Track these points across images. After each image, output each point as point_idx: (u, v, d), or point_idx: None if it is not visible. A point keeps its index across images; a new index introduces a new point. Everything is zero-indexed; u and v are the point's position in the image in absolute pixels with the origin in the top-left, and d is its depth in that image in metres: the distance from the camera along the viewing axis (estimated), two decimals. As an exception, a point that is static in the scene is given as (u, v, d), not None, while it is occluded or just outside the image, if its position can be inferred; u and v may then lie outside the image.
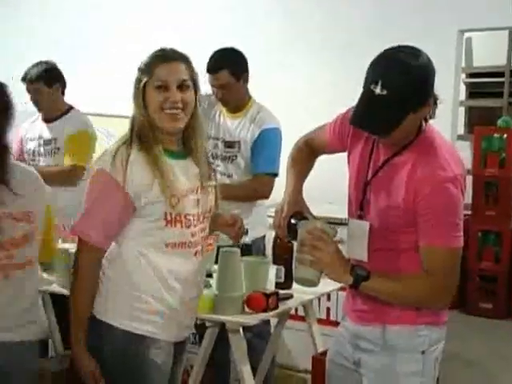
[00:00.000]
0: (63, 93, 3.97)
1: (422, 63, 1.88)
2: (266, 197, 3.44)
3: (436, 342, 2.06)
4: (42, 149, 3.97)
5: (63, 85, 3.96)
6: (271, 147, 3.37)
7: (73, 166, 3.83)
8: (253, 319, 2.51)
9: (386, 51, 1.92)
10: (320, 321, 4.11)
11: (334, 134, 2.19)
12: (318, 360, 2.86)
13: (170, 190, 2.04)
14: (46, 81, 3.85)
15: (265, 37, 4.98)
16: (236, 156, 3.44)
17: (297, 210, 2.14)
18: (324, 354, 3.04)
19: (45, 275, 3.08)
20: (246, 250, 2.89)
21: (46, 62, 3.90)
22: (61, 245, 3.03)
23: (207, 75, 3.36)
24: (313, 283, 1.98)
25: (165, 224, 2.06)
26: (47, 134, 3.95)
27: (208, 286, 2.70)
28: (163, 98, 2.05)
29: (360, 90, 1.91)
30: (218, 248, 2.79)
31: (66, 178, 3.83)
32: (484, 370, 4.43)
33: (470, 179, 5.50)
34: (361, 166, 2.07)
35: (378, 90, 1.83)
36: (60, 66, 3.97)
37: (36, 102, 3.89)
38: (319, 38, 4.80)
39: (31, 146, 4.00)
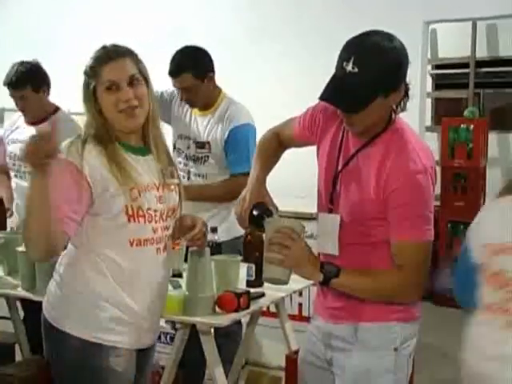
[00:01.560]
0: (49, 93, 3.67)
1: (396, 47, 1.88)
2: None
3: (408, 338, 2.05)
4: None
5: (49, 85, 3.65)
6: (243, 145, 3.26)
7: None
8: (224, 320, 2.46)
9: (360, 34, 1.91)
10: (292, 316, 4.09)
11: (304, 126, 2.16)
12: (291, 359, 2.83)
13: (129, 182, 1.98)
14: (33, 85, 3.54)
15: (230, 28, 4.92)
16: (208, 157, 3.35)
17: (259, 201, 2.12)
18: (297, 352, 3.01)
19: (9, 279, 3.00)
20: (217, 249, 2.83)
21: (30, 63, 3.58)
22: (24, 248, 2.94)
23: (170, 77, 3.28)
24: (283, 282, 1.96)
25: (127, 219, 1.99)
26: None
27: (178, 286, 2.64)
28: (115, 99, 1.99)
29: (327, 80, 1.90)
30: (188, 247, 2.74)
31: None
32: (456, 358, 4.45)
33: (438, 170, 5.52)
34: (330, 159, 2.05)
35: (349, 68, 1.84)
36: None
37: (23, 109, 3.62)
38: (284, 28, 4.77)
39: (13, 148, 3.73)
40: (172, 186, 2.13)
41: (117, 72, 2.00)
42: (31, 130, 3.56)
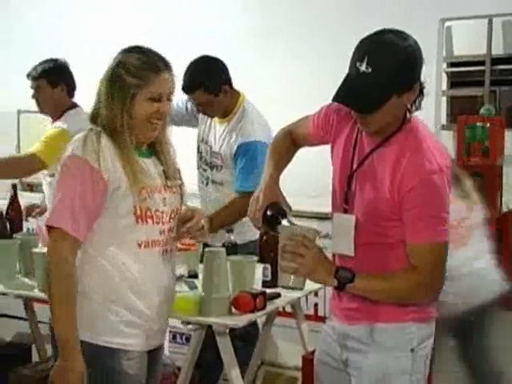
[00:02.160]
0: (70, 95, 3.62)
1: (410, 45, 1.85)
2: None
3: (425, 338, 2.02)
4: None
5: (69, 85, 3.61)
6: (249, 163, 3.16)
7: (32, 154, 3.42)
8: (240, 321, 2.45)
9: (373, 33, 1.89)
10: (308, 316, 4.07)
11: (317, 125, 2.14)
12: (308, 359, 2.82)
13: (140, 182, 1.98)
14: (49, 79, 3.54)
15: (239, 28, 4.91)
16: (222, 166, 3.32)
17: (273, 201, 2.08)
18: (314, 352, 3.00)
19: (25, 280, 3.01)
20: (233, 250, 2.82)
21: (56, 61, 3.61)
22: (41, 249, 2.95)
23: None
24: (298, 289, 1.99)
25: (135, 220, 1.99)
26: None
27: (193, 287, 2.64)
28: (154, 110, 2.00)
29: (340, 80, 1.88)
30: (204, 247, 2.74)
31: (21, 165, 3.50)
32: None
33: (454, 169, 5.48)
34: (345, 158, 2.03)
35: (363, 68, 1.81)
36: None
37: (38, 101, 3.61)
38: (294, 28, 4.74)
39: None
40: (174, 188, 2.12)
41: (166, 85, 2.01)
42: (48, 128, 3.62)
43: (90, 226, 1.97)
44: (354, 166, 1.99)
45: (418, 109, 1.96)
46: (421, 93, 1.92)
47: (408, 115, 1.95)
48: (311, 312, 4.51)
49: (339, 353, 2.08)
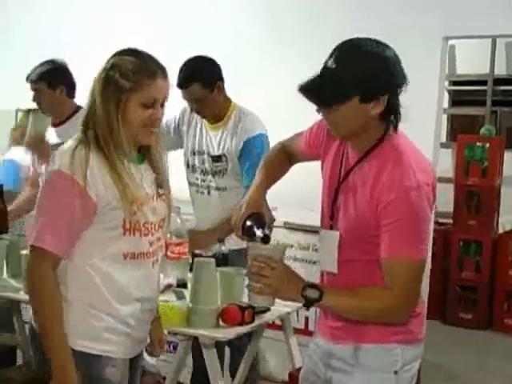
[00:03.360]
0: (71, 95, 3.59)
1: (381, 56, 1.85)
2: None
3: (410, 360, 1.99)
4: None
5: (69, 86, 3.58)
6: (258, 156, 3.06)
7: None
8: (227, 333, 2.41)
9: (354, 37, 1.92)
10: (298, 331, 4.03)
11: (310, 141, 2.14)
12: (295, 376, 2.77)
13: (130, 196, 1.92)
14: (48, 82, 3.52)
15: (245, 33, 4.88)
16: (226, 169, 3.26)
17: (255, 211, 2.07)
18: (300, 369, 2.96)
19: (12, 281, 2.97)
20: (223, 260, 2.79)
21: (53, 62, 3.58)
22: (28, 251, 2.90)
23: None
24: (267, 307, 2.03)
25: (122, 232, 1.94)
26: (54, 139, 3.56)
27: (182, 297, 2.60)
28: (147, 115, 1.94)
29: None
30: (193, 257, 2.70)
31: None
32: (464, 382, 4.38)
33: (451, 188, 5.46)
34: (332, 174, 2.02)
35: (329, 63, 1.86)
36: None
37: (39, 104, 3.59)
38: (300, 33, 4.71)
39: None
40: (163, 196, 2.07)
41: (160, 91, 1.95)
42: (56, 131, 3.59)
43: (74, 241, 1.93)
44: (340, 182, 1.98)
45: (395, 127, 1.92)
46: (394, 111, 1.89)
47: (391, 131, 1.92)
48: (302, 326, 4.48)
49: (323, 372, 2.04)
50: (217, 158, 3.28)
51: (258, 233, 1.99)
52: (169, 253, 2.68)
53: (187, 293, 2.59)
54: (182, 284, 2.76)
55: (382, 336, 1.94)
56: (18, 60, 5.68)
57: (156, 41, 4.21)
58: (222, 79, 3.27)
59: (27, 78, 3.58)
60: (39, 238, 1.90)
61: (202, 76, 3.18)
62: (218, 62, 3.29)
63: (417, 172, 1.85)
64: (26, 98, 3.64)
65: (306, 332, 4.43)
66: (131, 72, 1.92)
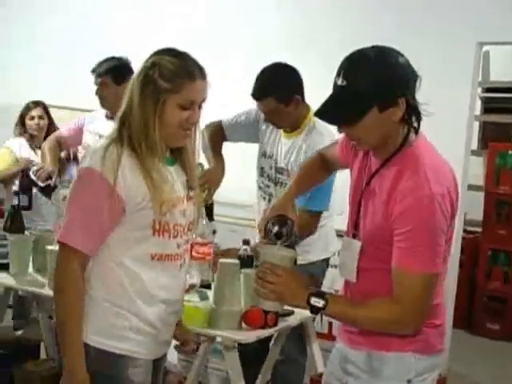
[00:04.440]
0: None
1: (388, 60, 1.82)
2: (311, 233, 3.11)
3: (425, 371, 1.94)
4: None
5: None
6: None
7: None
8: (249, 336, 2.39)
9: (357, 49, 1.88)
10: (321, 335, 4.01)
11: (342, 148, 2.13)
12: (316, 381, 2.75)
13: (161, 197, 1.90)
14: (114, 77, 3.58)
15: (274, 36, 4.86)
16: (286, 183, 3.11)
17: (280, 214, 2.10)
18: (322, 376, 2.93)
19: (38, 276, 2.99)
20: (247, 262, 2.76)
21: (120, 59, 3.66)
22: (54, 246, 2.92)
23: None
24: (274, 312, 2.05)
25: (152, 233, 1.92)
26: (106, 132, 3.68)
27: (205, 297, 2.59)
28: (186, 117, 1.91)
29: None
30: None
31: None
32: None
33: (481, 196, 5.39)
34: (357, 182, 2.00)
35: (339, 82, 1.81)
36: (60, 64, 3.81)
37: (101, 97, 3.67)
38: (328, 36, 4.67)
39: (88, 139, 3.78)
40: (194, 199, 2.06)
41: (199, 93, 1.93)
42: (109, 124, 3.49)
43: (102, 240, 1.91)
44: (363, 189, 1.96)
45: (416, 131, 1.89)
46: (415, 111, 1.85)
47: (412, 136, 1.89)
48: (325, 331, 4.45)
49: (341, 376, 2.03)
50: (280, 170, 3.19)
51: (275, 229, 2.02)
52: (193, 253, 2.66)
53: (210, 294, 2.57)
54: (206, 285, 2.75)
55: (397, 344, 1.91)
56: (42, 58, 5.76)
57: (184, 38, 4.20)
58: (299, 93, 3.09)
59: (93, 71, 3.65)
60: (67, 235, 1.88)
61: (277, 89, 3.02)
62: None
63: (432, 182, 1.80)
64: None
65: (329, 337, 4.40)
66: (171, 73, 1.89)
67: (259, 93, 3.04)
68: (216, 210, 3.05)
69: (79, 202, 1.89)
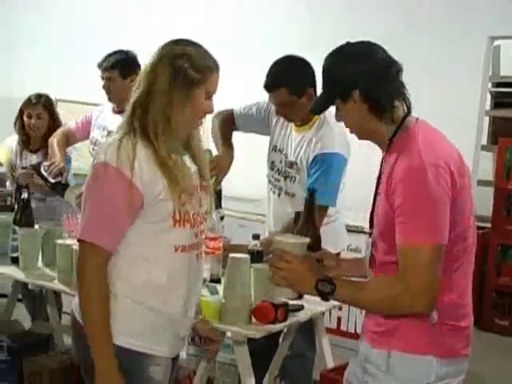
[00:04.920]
0: None
1: (337, 57, 1.94)
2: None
3: (447, 376, 1.89)
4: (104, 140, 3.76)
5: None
6: (325, 175, 2.97)
7: None
8: (259, 331, 2.39)
9: None
10: (331, 330, 4.00)
11: None
12: (326, 376, 2.75)
13: (179, 187, 1.88)
14: (121, 71, 3.57)
15: (285, 36, 4.85)
16: (295, 177, 3.13)
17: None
18: (333, 370, 2.91)
19: (47, 270, 2.99)
20: (257, 257, 2.76)
21: (127, 52, 3.65)
22: (64, 240, 2.92)
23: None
24: (290, 299, 2.12)
25: (172, 224, 1.89)
26: (113, 126, 3.48)
27: (215, 292, 2.58)
28: (206, 108, 1.96)
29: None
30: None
31: None
32: (498, 389, 4.30)
33: (491, 192, 5.36)
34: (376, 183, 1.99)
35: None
36: (72, 57, 3.79)
37: (108, 91, 3.66)
38: (339, 35, 4.65)
39: (96, 134, 3.78)
40: (208, 188, 2.05)
41: (217, 84, 1.98)
42: (116, 119, 3.50)
43: (123, 235, 1.89)
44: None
45: (409, 111, 1.90)
46: (378, 102, 1.86)
47: (407, 121, 1.88)
48: (334, 326, 4.44)
49: (361, 375, 2.00)
50: (290, 164, 3.16)
51: None
52: (204, 247, 2.66)
53: (220, 288, 2.57)
54: (216, 279, 2.75)
55: (418, 346, 1.88)
56: (56, 52, 5.77)
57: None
58: (312, 85, 3.03)
59: (99, 66, 3.63)
60: (87, 233, 1.86)
61: (290, 81, 2.98)
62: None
63: (423, 152, 1.79)
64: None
65: (338, 332, 4.40)
66: (201, 64, 1.92)
67: (272, 83, 3.01)
68: (225, 204, 3.03)
69: (96, 198, 1.87)
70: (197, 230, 1.97)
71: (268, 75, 3.02)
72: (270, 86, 3.01)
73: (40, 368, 3.52)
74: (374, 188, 1.97)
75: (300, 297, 2.30)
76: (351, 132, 1.98)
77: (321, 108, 2.03)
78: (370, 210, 1.98)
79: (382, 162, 1.96)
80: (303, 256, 1.95)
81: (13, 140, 4.29)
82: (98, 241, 1.84)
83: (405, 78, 1.89)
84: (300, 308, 2.59)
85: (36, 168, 3.82)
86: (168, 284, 1.92)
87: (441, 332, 1.88)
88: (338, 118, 1.97)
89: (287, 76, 3.00)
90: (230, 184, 3.32)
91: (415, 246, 1.76)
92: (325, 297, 1.87)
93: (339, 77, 1.89)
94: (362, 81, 1.85)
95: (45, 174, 3.66)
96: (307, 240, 2.00)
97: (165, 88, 1.88)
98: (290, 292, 1.98)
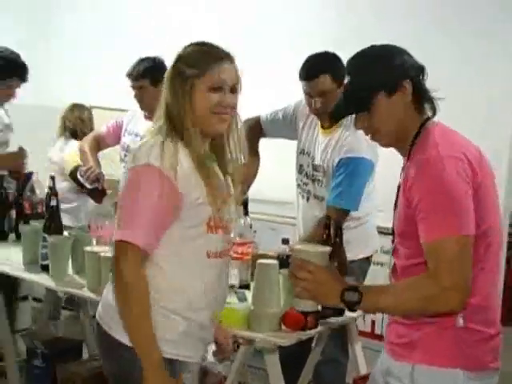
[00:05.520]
0: None
1: (382, 48, 1.90)
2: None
3: None
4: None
5: None
6: (348, 179, 2.93)
7: None
8: (289, 339, 2.34)
9: None
10: (364, 334, 3.94)
11: None
12: (358, 383, 2.69)
13: (216, 191, 1.89)
14: (152, 79, 3.52)
15: (316, 38, 4.79)
16: (323, 181, 3.10)
17: None
18: (365, 377, 2.85)
19: (77, 278, 2.99)
20: (286, 262, 2.71)
21: (154, 59, 3.62)
22: (91, 247, 2.91)
23: (303, 83, 3.00)
24: (309, 311, 2.03)
25: (206, 230, 1.89)
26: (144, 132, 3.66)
27: (243, 298, 2.55)
28: (217, 100, 1.89)
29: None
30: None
31: None
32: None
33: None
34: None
35: (345, 81, 1.92)
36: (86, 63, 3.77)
37: (140, 100, 3.64)
38: (367, 38, 4.59)
39: (127, 140, 3.77)
40: (232, 198, 2.03)
41: (227, 74, 1.91)
42: (147, 124, 3.48)
43: (161, 236, 1.87)
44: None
45: (433, 114, 1.89)
46: (425, 96, 1.87)
47: (428, 124, 1.86)
48: (368, 329, 4.38)
49: None
50: (316, 167, 3.13)
51: None
52: (232, 253, 2.63)
53: (249, 295, 2.53)
54: (245, 285, 2.72)
55: (443, 358, 1.80)
56: (91, 60, 5.79)
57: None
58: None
59: (129, 75, 3.60)
60: (126, 233, 1.83)
61: (332, 67, 2.92)
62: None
63: (440, 146, 1.76)
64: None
65: (372, 335, 4.33)
66: (194, 58, 1.91)
67: (314, 70, 2.95)
68: (255, 207, 3.01)
69: (137, 199, 1.84)
70: (227, 236, 1.98)
71: (307, 64, 2.98)
72: (311, 73, 2.95)
73: (73, 375, 3.53)
74: (395, 197, 1.93)
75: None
76: (381, 134, 1.90)
77: (366, 105, 1.86)
78: (392, 220, 1.93)
79: (403, 168, 1.91)
80: (325, 266, 1.89)
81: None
82: (137, 240, 1.81)
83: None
84: (331, 314, 2.53)
85: (73, 174, 3.83)
86: (200, 290, 1.91)
87: (467, 342, 1.80)
88: (359, 125, 1.91)
89: (330, 62, 2.96)
90: (260, 187, 3.31)
91: (440, 240, 1.70)
92: (352, 307, 1.80)
93: (391, 66, 1.85)
94: (413, 70, 1.86)
95: (81, 179, 3.65)
96: (328, 249, 1.95)
97: (170, 93, 1.92)
98: (311, 304, 1.92)
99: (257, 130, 3.28)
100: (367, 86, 1.84)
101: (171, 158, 1.83)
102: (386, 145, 1.94)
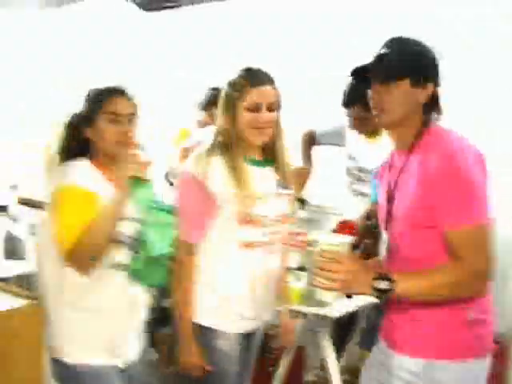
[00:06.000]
0: None
1: (425, 46, 1.96)
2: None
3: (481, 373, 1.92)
4: None
5: None
6: None
7: None
8: (338, 310, 2.78)
9: None
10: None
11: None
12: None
13: (245, 189, 2.24)
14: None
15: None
16: (369, 182, 3.34)
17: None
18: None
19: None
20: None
21: (217, 88, 3.67)
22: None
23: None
24: (326, 304, 2.04)
25: (238, 223, 2.27)
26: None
27: (300, 279, 2.93)
28: (253, 119, 2.26)
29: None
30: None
31: None
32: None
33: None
34: (387, 189, 2.04)
35: (382, 51, 1.95)
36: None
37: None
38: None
39: None
40: (284, 196, 2.38)
41: (260, 97, 2.26)
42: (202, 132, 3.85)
43: (206, 229, 2.31)
44: (392, 185, 2.00)
45: (439, 114, 1.97)
46: (437, 103, 1.96)
47: (429, 124, 1.95)
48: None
49: (389, 382, 1.98)
50: (362, 170, 3.48)
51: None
52: (291, 241, 2.85)
53: (304, 277, 2.91)
54: (302, 267, 3.03)
55: (459, 352, 1.88)
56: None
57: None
58: None
59: (199, 107, 4.10)
60: (183, 233, 2.28)
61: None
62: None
63: (455, 142, 1.86)
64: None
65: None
66: (238, 84, 2.28)
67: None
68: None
69: (181, 202, 2.30)
70: (266, 230, 2.32)
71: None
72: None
73: (165, 337, 3.67)
74: (387, 185, 2.02)
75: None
76: (388, 112, 1.93)
77: (393, 78, 1.90)
78: (385, 207, 2.00)
79: (392, 169, 2.01)
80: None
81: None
82: (190, 239, 2.30)
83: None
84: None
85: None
86: (236, 273, 2.31)
87: (477, 333, 1.90)
88: (374, 95, 1.96)
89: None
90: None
91: (468, 228, 1.80)
92: (383, 295, 1.81)
93: (430, 64, 1.95)
94: (438, 80, 1.96)
95: None
96: (351, 238, 1.97)
97: (220, 112, 2.32)
98: (334, 295, 1.88)
99: (310, 141, 3.77)
100: (402, 65, 1.90)
101: (203, 165, 2.24)
102: (384, 125, 1.99)
